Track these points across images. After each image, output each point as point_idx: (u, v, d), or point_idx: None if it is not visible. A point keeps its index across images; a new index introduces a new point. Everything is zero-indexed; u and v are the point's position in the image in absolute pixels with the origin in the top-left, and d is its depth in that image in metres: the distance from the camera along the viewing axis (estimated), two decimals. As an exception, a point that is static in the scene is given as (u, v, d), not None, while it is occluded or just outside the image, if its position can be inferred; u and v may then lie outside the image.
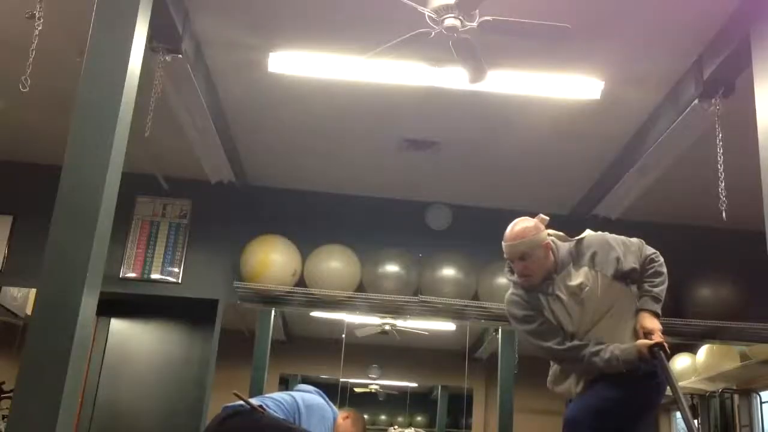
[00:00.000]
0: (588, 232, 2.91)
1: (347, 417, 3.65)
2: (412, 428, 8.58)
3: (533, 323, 2.83)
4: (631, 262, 2.84)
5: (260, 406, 3.35)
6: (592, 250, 2.79)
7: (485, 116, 4.44)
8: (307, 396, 3.58)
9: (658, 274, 2.88)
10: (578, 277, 2.74)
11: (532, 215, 2.98)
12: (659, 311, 2.84)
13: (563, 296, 2.75)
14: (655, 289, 2.84)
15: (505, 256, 2.82)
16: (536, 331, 2.83)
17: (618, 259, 2.80)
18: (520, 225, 2.79)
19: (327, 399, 3.65)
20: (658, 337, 2.72)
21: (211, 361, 5.40)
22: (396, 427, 8.57)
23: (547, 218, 2.83)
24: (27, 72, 3.04)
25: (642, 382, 2.74)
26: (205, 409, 5.19)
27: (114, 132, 2.80)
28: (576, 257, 2.78)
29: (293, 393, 3.60)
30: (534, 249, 2.74)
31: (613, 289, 2.78)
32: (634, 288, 2.88)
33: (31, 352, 2.56)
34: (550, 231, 2.84)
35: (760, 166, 3.04)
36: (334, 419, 3.58)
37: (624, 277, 2.82)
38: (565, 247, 2.80)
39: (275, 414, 3.38)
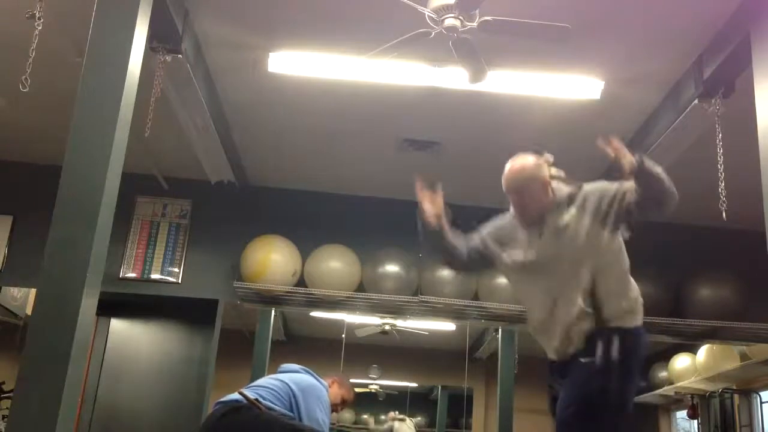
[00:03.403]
0: (596, 182, 2.75)
1: (333, 382, 3.83)
2: (408, 419, 8.60)
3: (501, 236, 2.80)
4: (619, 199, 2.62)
5: (256, 400, 3.35)
6: (588, 194, 2.66)
7: (485, 116, 4.44)
8: (297, 377, 3.61)
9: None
10: (566, 217, 2.63)
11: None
12: (643, 162, 2.49)
13: (546, 233, 2.65)
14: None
15: (503, 189, 2.75)
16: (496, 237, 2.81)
17: (609, 201, 2.60)
18: (520, 160, 2.72)
19: (314, 375, 3.70)
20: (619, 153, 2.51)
21: (211, 361, 5.40)
22: (396, 413, 8.58)
23: (552, 157, 2.77)
24: (27, 72, 3.05)
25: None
26: (205, 409, 5.19)
27: (114, 132, 2.80)
28: (572, 200, 2.66)
29: (281, 377, 3.61)
30: (530, 184, 2.66)
31: (600, 238, 2.59)
32: (621, 238, 2.68)
33: (31, 352, 2.56)
34: (555, 171, 2.74)
35: (760, 166, 3.04)
36: (326, 391, 3.68)
37: (611, 217, 2.59)
38: (565, 189, 2.70)
39: (272, 405, 3.39)
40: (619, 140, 2.54)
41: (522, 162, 2.72)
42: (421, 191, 2.79)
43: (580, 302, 2.54)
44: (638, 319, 2.62)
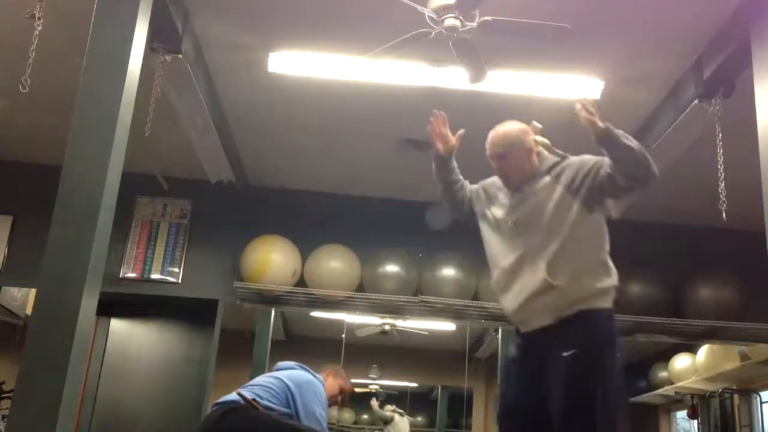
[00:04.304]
0: (581, 156, 2.69)
1: (327, 375, 3.84)
2: (406, 416, 8.61)
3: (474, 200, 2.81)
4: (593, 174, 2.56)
5: (253, 400, 3.35)
6: (567, 166, 2.62)
7: (485, 116, 4.43)
8: (293, 374, 3.62)
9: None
10: (539, 185, 2.60)
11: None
12: (610, 129, 2.46)
13: (522, 199, 2.63)
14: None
15: (487, 153, 2.74)
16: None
17: (584, 174, 2.55)
18: (505, 126, 2.72)
19: (310, 370, 3.72)
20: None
21: (211, 361, 5.40)
22: (394, 406, 8.58)
23: (540, 126, 2.75)
24: (27, 72, 3.04)
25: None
26: (205, 409, 5.19)
27: (114, 132, 2.80)
28: (551, 170, 2.63)
29: (277, 374, 3.63)
30: (513, 150, 2.64)
31: (570, 211, 2.53)
32: (599, 216, 2.58)
33: (31, 352, 2.56)
34: (542, 140, 2.70)
35: (760, 166, 3.04)
36: (322, 385, 3.69)
37: (584, 191, 2.54)
38: (551, 159, 2.67)
39: (270, 404, 3.40)
40: (594, 106, 2.50)
41: (506, 128, 2.71)
42: (437, 124, 2.79)
43: (543, 271, 2.48)
44: (608, 302, 2.53)
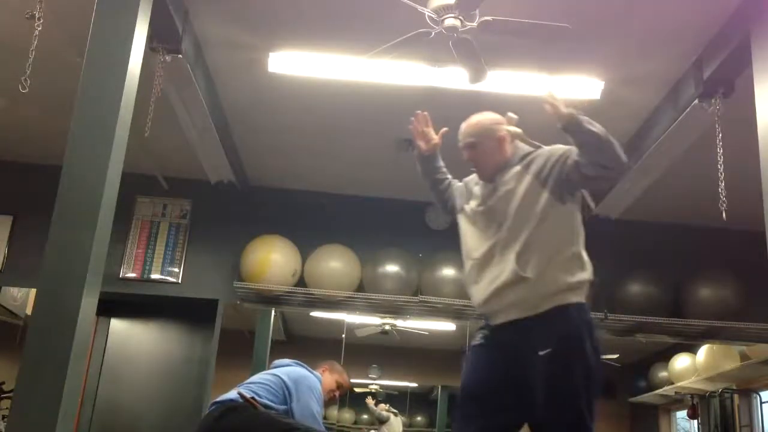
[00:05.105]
0: (554, 146, 2.65)
1: (324, 370, 3.86)
2: (387, 405, 8.63)
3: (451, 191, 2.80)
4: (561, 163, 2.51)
5: (252, 398, 3.37)
6: (538, 155, 2.57)
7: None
8: (289, 370, 3.65)
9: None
10: (509, 175, 2.55)
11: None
12: (575, 117, 2.42)
13: (493, 189, 2.58)
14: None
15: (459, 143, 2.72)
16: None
17: (553, 162, 2.51)
18: (477, 116, 2.69)
19: (307, 367, 3.74)
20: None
21: (211, 361, 5.40)
22: (388, 405, 8.59)
23: (516, 117, 2.71)
24: (27, 72, 3.05)
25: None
26: (205, 409, 5.19)
27: (114, 132, 2.80)
28: (523, 160, 2.58)
29: (275, 371, 3.66)
30: (484, 139, 2.61)
31: (539, 202, 2.47)
32: (571, 208, 2.51)
33: (31, 352, 2.56)
34: (515, 130, 2.63)
35: (760, 166, 3.04)
36: (319, 382, 3.71)
37: (553, 180, 2.48)
38: (524, 149, 2.63)
39: (268, 403, 3.42)
40: (554, 95, 2.50)
41: (478, 118, 2.69)
42: (419, 123, 2.80)
43: (513, 262, 2.42)
44: (581, 296, 2.46)
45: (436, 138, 2.81)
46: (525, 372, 2.37)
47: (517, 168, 2.56)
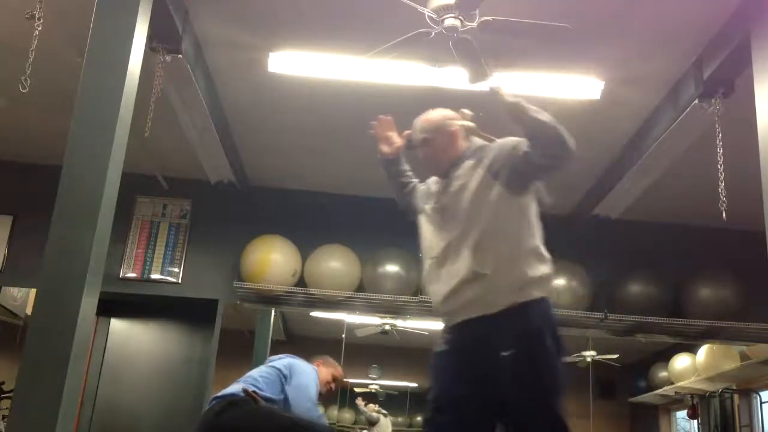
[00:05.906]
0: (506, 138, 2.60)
1: (319, 364, 4.02)
2: (376, 406, 8.60)
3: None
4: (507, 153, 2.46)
5: (254, 392, 3.41)
6: (490, 148, 2.53)
7: (485, 116, 4.43)
8: (285, 360, 3.82)
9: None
10: (461, 170, 2.52)
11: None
12: (520, 105, 2.41)
13: (447, 185, 2.55)
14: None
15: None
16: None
17: (504, 153, 2.46)
18: (430, 112, 2.68)
19: (301, 359, 3.90)
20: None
21: (211, 361, 5.40)
22: (376, 405, 8.57)
23: (470, 113, 2.64)
24: (27, 72, 3.05)
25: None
26: (205, 407, 5.19)
27: (114, 132, 2.80)
28: (475, 153, 2.55)
29: (271, 364, 3.81)
30: (436, 135, 2.60)
31: (489, 195, 2.42)
32: (526, 200, 2.46)
33: (31, 352, 2.56)
34: (467, 124, 2.62)
35: (760, 166, 3.04)
36: (315, 372, 3.88)
37: (504, 172, 2.43)
38: (477, 143, 2.60)
39: (270, 396, 3.51)
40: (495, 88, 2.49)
41: (429, 114, 2.68)
42: (381, 127, 2.82)
43: (468, 259, 2.37)
44: (542, 291, 2.40)
45: (399, 141, 2.80)
46: (490, 374, 2.32)
47: (470, 162, 2.52)
